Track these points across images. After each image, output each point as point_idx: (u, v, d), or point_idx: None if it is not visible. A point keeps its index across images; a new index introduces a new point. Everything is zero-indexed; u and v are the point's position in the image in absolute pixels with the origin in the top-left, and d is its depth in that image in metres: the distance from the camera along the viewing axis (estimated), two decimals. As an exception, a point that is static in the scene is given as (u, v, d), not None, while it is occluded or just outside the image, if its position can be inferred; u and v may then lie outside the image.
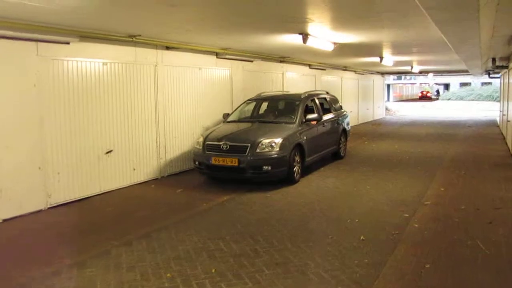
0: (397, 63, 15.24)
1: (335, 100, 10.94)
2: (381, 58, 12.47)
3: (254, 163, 7.32)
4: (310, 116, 8.57)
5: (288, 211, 6.16)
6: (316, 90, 10.58)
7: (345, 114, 11.04)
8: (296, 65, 14.09)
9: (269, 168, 7.31)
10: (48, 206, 6.39)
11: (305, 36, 7.09)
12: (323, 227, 5.45)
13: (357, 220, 5.64)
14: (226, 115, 9.26)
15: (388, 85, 53.83)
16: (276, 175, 7.49)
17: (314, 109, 9.32)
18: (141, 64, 8.01)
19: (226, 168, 7.47)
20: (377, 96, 24.51)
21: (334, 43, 8.42)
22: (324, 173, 8.81)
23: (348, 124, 11.04)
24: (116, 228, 5.52)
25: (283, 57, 12.29)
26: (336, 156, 10.30)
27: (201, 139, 7.98)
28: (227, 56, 10.08)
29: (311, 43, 7.49)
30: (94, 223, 5.78)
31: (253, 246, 4.79)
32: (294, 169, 7.78)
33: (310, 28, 6.82)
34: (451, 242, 4.87)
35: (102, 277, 4.06)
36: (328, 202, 6.64)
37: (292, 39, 7.76)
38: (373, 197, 6.88)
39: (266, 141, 7.45)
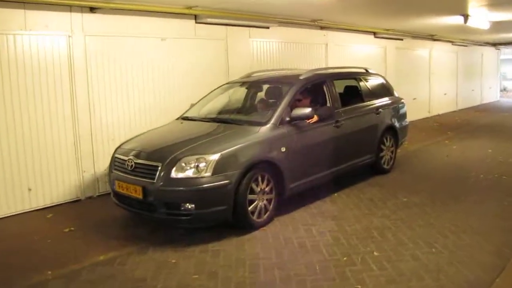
0: (501, 26, 10.27)
1: (379, 83, 7.13)
2: (466, 16, 8.02)
3: (166, 197, 4.21)
4: (299, 111, 5.03)
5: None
6: (339, 67, 6.86)
7: (400, 103, 7.23)
8: (348, 33, 10.23)
9: (193, 206, 4.17)
10: None
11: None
12: None
13: None
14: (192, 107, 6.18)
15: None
16: (207, 218, 4.29)
17: (327, 98, 5.80)
18: (39, 35, 5.33)
19: (131, 200, 4.51)
20: (487, 74, 18.99)
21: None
22: (328, 206, 5.30)
23: (401, 118, 7.18)
24: None
25: (314, 20, 8.64)
26: (375, 169, 6.65)
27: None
28: (209, 20, 6.95)
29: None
30: None
31: None
32: (254, 205, 4.50)
33: None
34: None
35: None
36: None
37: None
38: None
39: (189, 158, 4.26)
